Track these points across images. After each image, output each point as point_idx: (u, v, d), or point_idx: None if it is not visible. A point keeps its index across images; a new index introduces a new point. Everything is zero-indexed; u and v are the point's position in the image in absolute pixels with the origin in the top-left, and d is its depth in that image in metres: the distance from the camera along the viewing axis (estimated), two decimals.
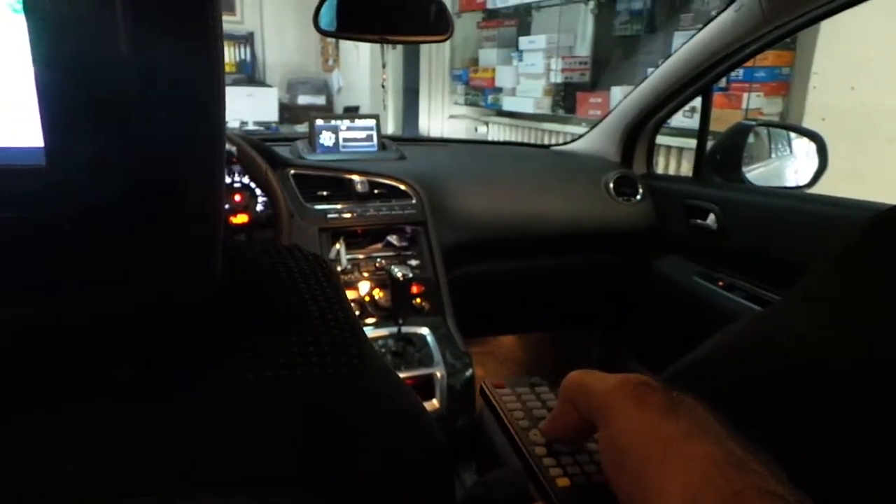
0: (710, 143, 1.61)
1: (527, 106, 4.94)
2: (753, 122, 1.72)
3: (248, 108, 6.31)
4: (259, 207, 1.29)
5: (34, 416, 0.28)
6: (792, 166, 1.65)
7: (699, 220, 1.46)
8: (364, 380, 0.36)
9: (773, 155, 1.73)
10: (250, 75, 8.03)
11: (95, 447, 0.28)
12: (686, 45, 1.45)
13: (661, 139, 2.01)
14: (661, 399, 0.25)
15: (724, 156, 1.59)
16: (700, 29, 1.41)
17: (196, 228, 0.29)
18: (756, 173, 1.61)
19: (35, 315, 0.27)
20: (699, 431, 0.24)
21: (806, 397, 0.37)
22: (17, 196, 0.24)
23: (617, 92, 3.89)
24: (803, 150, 1.59)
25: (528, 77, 4.96)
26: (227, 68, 7.98)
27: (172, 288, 0.30)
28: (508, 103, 5.25)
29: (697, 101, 1.58)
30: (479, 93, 5.76)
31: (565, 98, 4.68)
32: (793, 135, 1.71)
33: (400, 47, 6.89)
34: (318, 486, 0.31)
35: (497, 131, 5.49)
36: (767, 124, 1.90)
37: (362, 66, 7.32)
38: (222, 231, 0.31)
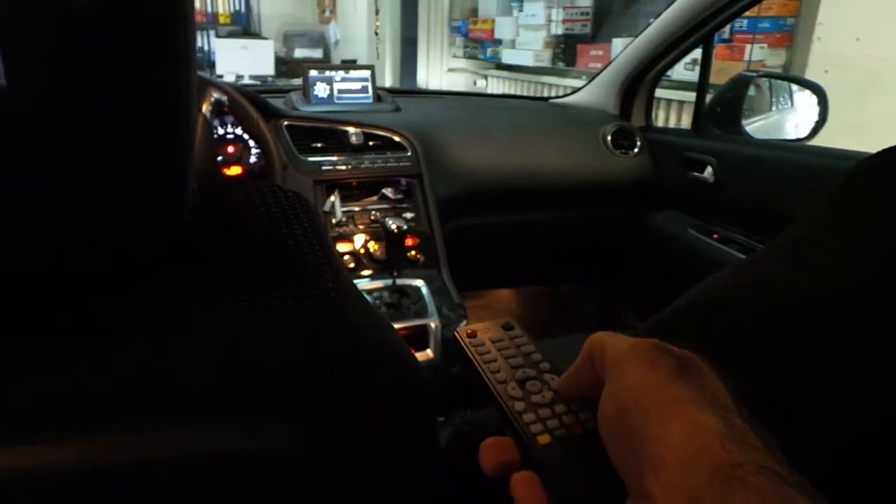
0: (710, 96, 1.59)
1: (526, 59, 4.85)
2: (754, 74, 1.69)
3: (243, 62, 6.17)
4: (252, 159, 1.28)
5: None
6: (792, 119, 1.63)
7: (696, 173, 1.45)
8: (341, 312, 0.36)
9: (774, 107, 1.71)
10: (245, 27, 7.86)
11: (67, 378, 0.28)
12: None
13: (662, 92, 1.97)
14: (674, 362, 0.25)
15: (723, 108, 1.57)
16: None
17: (164, 148, 0.29)
18: (756, 126, 1.60)
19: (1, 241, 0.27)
20: (706, 399, 0.23)
21: (790, 338, 0.37)
22: None
23: (618, 44, 3.81)
24: (804, 102, 1.56)
25: (528, 29, 4.86)
26: (222, 20, 7.81)
27: (143, 213, 0.30)
28: (508, 56, 5.15)
29: (699, 53, 1.55)
30: (479, 45, 5.65)
31: (566, 50, 4.59)
32: (794, 87, 1.69)
33: None
34: (297, 419, 0.31)
35: (496, 85, 5.41)
36: (768, 76, 1.88)
37: (359, 18, 7.15)
38: (192, 156, 0.31)
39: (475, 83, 5.77)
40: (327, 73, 1.59)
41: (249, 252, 0.36)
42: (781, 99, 1.71)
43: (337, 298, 0.36)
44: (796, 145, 1.45)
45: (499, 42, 5.29)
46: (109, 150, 0.27)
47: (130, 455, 0.27)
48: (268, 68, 6.54)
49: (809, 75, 2.55)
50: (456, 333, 0.34)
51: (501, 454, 0.29)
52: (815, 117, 1.47)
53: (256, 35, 7.58)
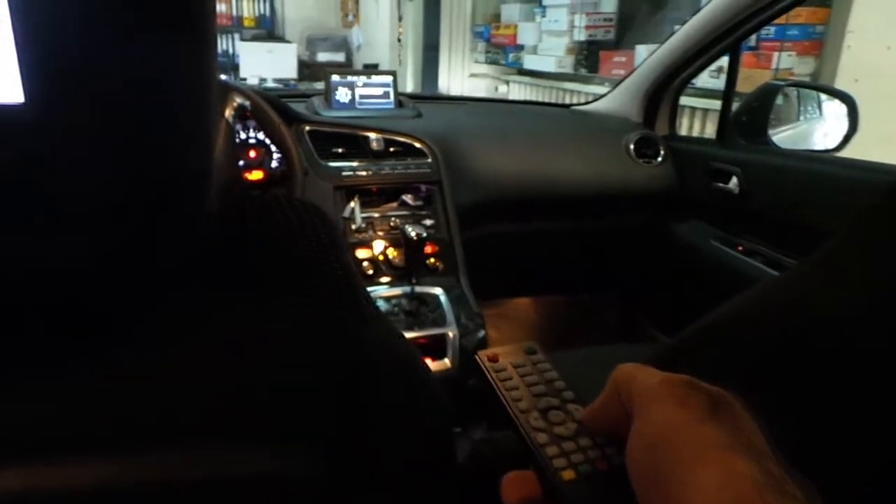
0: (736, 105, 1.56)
1: (549, 65, 4.83)
2: (782, 83, 1.66)
3: (267, 65, 6.25)
4: (274, 164, 1.28)
5: (22, 369, 0.28)
6: (820, 129, 1.60)
7: (721, 184, 1.43)
8: (365, 329, 0.36)
9: (802, 117, 1.68)
10: (269, 30, 7.94)
11: (94, 399, 0.28)
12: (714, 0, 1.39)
13: (685, 100, 1.95)
14: (705, 400, 0.24)
15: (750, 117, 1.54)
16: None
17: (185, 163, 0.29)
18: (783, 136, 1.57)
19: (23, 258, 0.26)
20: (741, 443, 0.22)
21: (819, 362, 0.36)
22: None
23: (642, 50, 3.78)
24: (833, 112, 1.53)
25: (550, 34, 4.85)
26: (247, 23, 7.90)
27: (161, 230, 0.29)
28: (530, 62, 5.14)
29: (725, 61, 1.53)
30: (501, 51, 5.65)
31: (588, 57, 4.57)
32: (823, 96, 1.65)
33: (419, 1, 6.76)
34: (315, 436, 0.30)
35: (518, 90, 5.40)
36: (797, 85, 1.84)
37: (382, 23, 7.19)
38: (212, 172, 0.30)
39: (497, 89, 5.77)
40: (349, 78, 1.60)
41: (269, 270, 0.36)
42: (810, 108, 1.68)
43: (359, 316, 0.35)
44: (825, 156, 1.42)
45: (521, 48, 5.29)
46: (134, 157, 0.26)
47: (144, 477, 0.27)
48: (291, 71, 6.61)
49: (839, 84, 2.51)
50: (477, 357, 0.33)
51: (524, 489, 0.28)
52: (845, 128, 1.44)
53: (280, 39, 7.65)
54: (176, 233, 0.30)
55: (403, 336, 0.42)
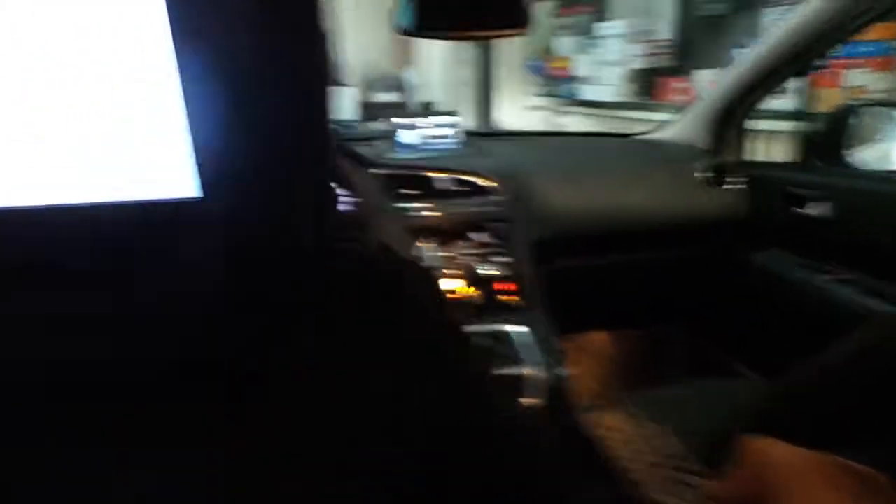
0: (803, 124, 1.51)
1: (606, 94, 4.81)
2: (860, 102, 1.59)
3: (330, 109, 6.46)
4: (345, 207, 1.31)
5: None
6: None
7: (802, 209, 1.37)
8: (471, 389, 0.35)
9: (882, 136, 1.60)
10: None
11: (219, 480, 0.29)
12: (785, 22, 1.36)
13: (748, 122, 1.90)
14: (855, 483, 0.23)
15: (827, 138, 1.48)
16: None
17: (327, 220, 0.30)
18: (864, 156, 1.50)
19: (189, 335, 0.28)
20: None
21: None
22: (175, 227, 0.26)
23: (705, 75, 3.71)
24: None
25: (606, 64, 4.83)
26: None
27: (305, 298, 0.30)
28: (587, 92, 5.13)
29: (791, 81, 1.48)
30: (556, 82, 5.67)
31: (647, 84, 4.52)
32: None
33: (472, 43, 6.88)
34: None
35: (576, 121, 5.38)
36: (877, 103, 1.77)
37: (436, 63, 7.35)
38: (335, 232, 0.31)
39: (554, 121, 5.77)
40: (412, 119, 1.62)
41: (373, 323, 0.36)
42: (890, 127, 1.60)
43: (465, 372, 0.35)
44: None
45: (577, 79, 5.29)
46: (289, 230, 0.28)
47: None
48: (351, 113, 6.81)
49: None
50: (584, 420, 0.32)
51: None
52: None
53: (340, 83, 7.91)
54: (312, 299, 0.31)
55: (500, 391, 0.41)
